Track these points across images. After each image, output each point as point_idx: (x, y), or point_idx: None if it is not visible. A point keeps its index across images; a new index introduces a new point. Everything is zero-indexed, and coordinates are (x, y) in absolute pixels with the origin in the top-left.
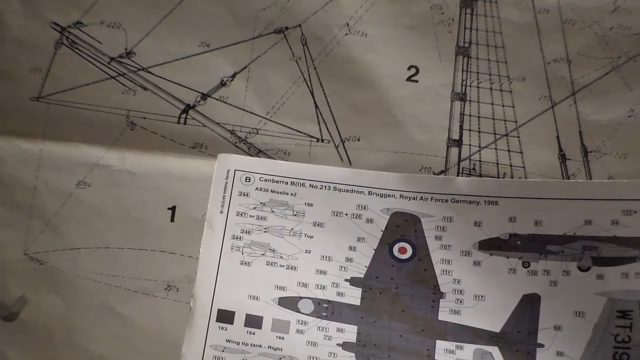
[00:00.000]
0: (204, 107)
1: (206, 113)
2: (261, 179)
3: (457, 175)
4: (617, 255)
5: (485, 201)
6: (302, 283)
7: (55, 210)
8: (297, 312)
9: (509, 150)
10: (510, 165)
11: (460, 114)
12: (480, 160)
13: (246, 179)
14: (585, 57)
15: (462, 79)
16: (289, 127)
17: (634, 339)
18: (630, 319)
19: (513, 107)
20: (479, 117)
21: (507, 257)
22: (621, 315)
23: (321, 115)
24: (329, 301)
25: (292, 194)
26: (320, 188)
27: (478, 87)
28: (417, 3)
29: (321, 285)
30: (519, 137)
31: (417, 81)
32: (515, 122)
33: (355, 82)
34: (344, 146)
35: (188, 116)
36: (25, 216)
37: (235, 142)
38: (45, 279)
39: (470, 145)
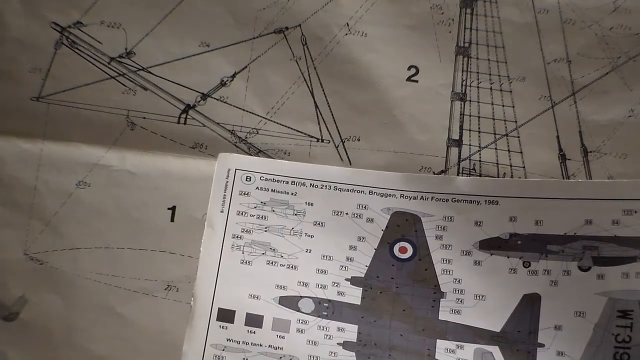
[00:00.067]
0: (204, 107)
1: (206, 113)
2: (262, 178)
3: (457, 176)
4: (617, 255)
5: (485, 201)
6: (303, 282)
7: (55, 210)
8: (298, 311)
9: (509, 150)
10: (510, 165)
11: (460, 114)
12: (480, 160)
13: (247, 178)
14: (585, 57)
15: (462, 79)
16: (289, 127)
17: (634, 338)
18: (631, 319)
19: (513, 107)
20: (479, 117)
21: (508, 257)
22: (622, 315)
23: (321, 115)
24: (329, 300)
25: (292, 194)
26: (321, 187)
27: (478, 87)
28: (417, 3)
29: (322, 285)
30: (519, 137)
31: (417, 81)
32: (515, 122)
33: (355, 82)
34: (344, 146)
35: (188, 116)
36: (25, 216)
37: (235, 142)
38: (45, 279)
39: (470, 145)
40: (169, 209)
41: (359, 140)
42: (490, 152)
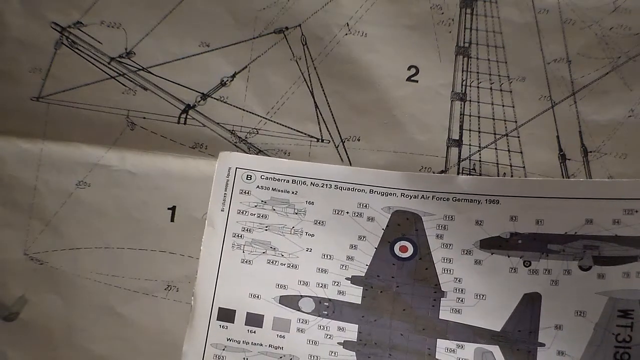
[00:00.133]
0: (204, 107)
1: (206, 113)
2: (262, 177)
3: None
4: (618, 255)
5: (486, 200)
6: (303, 281)
7: (55, 210)
8: (298, 310)
9: (509, 150)
10: (510, 165)
11: (460, 114)
12: (480, 160)
13: (247, 177)
14: (585, 57)
15: (462, 79)
16: (289, 127)
17: (634, 338)
18: (632, 319)
19: (513, 107)
20: (479, 117)
21: (508, 256)
22: (622, 315)
23: (321, 115)
24: (329, 300)
25: (293, 192)
26: (322, 186)
27: (478, 87)
28: (417, 3)
29: (322, 284)
30: (519, 137)
31: (417, 81)
32: (515, 122)
33: (355, 82)
34: (344, 146)
35: (188, 116)
36: (25, 216)
37: (235, 142)
38: (45, 279)
39: (470, 145)
40: (169, 209)
41: (359, 140)
42: (490, 152)
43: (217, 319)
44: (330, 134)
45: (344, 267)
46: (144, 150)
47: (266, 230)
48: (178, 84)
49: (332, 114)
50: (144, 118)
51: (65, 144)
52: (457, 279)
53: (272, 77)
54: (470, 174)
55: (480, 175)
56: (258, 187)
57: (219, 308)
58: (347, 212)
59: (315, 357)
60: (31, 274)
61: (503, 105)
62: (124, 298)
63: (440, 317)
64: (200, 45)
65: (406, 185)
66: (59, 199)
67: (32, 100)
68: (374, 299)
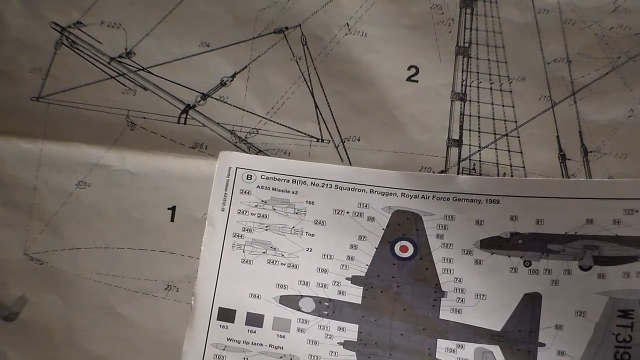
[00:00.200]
0: (204, 107)
1: (206, 113)
2: (262, 176)
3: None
4: (618, 255)
5: (486, 200)
6: (303, 281)
7: (55, 210)
8: (298, 310)
9: (509, 150)
10: (510, 165)
11: (460, 114)
12: (480, 160)
13: (247, 177)
14: (585, 57)
15: (462, 79)
16: (289, 127)
17: (635, 338)
18: (632, 319)
19: (513, 107)
20: (479, 117)
21: (509, 256)
22: (622, 315)
23: (321, 115)
24: (330, 300)
25: (293, 192)
26: (322, 186)
27: (478, 87)
28: (417, 3)
29: (322, 284)
30: (519, 137)
31: (417, 81)
32: (515, 122)
33: (355, 82)
34: (344, 146)
35: (188, 116)
36: (25, 216)
37: (235, 142)
38: (45, 279)
39: (470, 145)
40: (169, 209)
41: (359, 140)
42: (490, 152)
43: (218, 319)
44: (330, 134)
45: (344, 267)
46: (144, 150)
47: (266, 230)
48: (178, 84)
49: (332, 114)
50: (144, 118)
51: (65, 144)
52: (457, 278)
53: (272, 77)
54: (470, 174)
55: (480, 175)
56: (258, 187)
57: (219, 308)
58: (348, 212)
59: (315, 357)
60: (31, 274)
61: (503, 105)
62: (124, 298)
63: (441, 317)
64: (200, 45)
65: (406, 185)
66: (59, 199)
67: (32, 100)
68: (374, 299)
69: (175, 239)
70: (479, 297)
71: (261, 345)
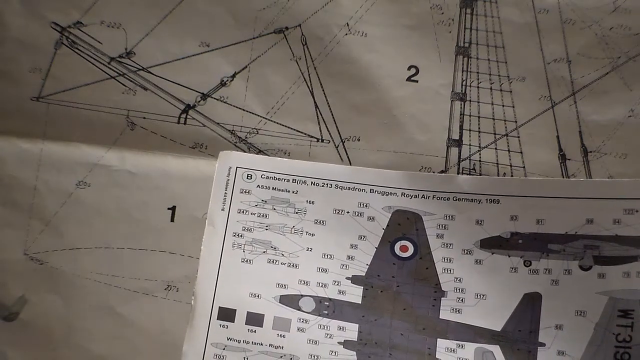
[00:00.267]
0: (204, 107)
1: (206, 113)
2: (263, 176)
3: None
4: (618, 255)
5: (486, 199)
6: (304, 281)
7: (55, 210)
8: (299, 310)
9: (509, 150)
10: (510, 165)
11: (460, 114)
12: (480, 160)
13: (248, 177)
14: (585, 57)
15: (462, 79)
16: (289, 127)
17: (635, 338)
18: (632, 319)
19: (513, 107)
20: (479, 117)
21: (509, 256)
22: (622, 315)
23: (321, 115)
24: (330, 299)
25: (293, 192)
26: (322, 186)
27: (478, 87)
28: (417, 3)
29: (322, 283)
30: (519, 137)
31: (417, 81)
32: (515, 122)
33: (355, 82)
34: (344, 146)
35: (188, 116)
36: (25, 216)
37: (235, 142)
38: (45, 279)
39: (470, 145)
40: (169, 209)
41: (359, 140)
42: (490, 152)
43: (218, 319)
44: (330, 134)
45: (344, 267)
46: (144, 150)
47: (266, 229)
48: (178, 84)
49: (332, 114)
50: (144, 118)
51: (65, 144)
52: (457, 278)
53: (272, 77)
54: (470, 174)
55: (480, 175)
56: (258, 186)
57: (220, 307)
58: (348, 212)
59: (315, 357)
60: (31, 274)
61: (503, 105)
62: (124, 298)
63: (441, 316)
64: (200, 45)
65: (407, 185)
66: (59, 199)
67: (32, 100)
68: (374, 298)
69: (175, 239)
70: (479, 296)
71: (261, 344)
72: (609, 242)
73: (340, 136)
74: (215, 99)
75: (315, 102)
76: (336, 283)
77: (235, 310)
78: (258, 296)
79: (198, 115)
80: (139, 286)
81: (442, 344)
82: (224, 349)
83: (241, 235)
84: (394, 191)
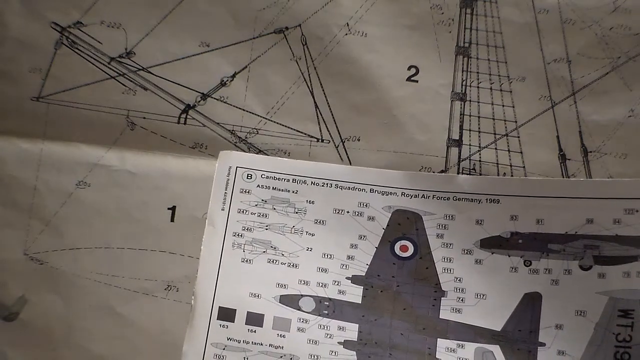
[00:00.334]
0: (204, 107)
1: (206, 113)
2: (263, 176)
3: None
4: (618, 254)
5: (486, 199)
6: (304, 281)
7: (55, 210)
8: (299, 310)
9: (509, 150)
10: (510, 165)
11: (460, 114)
12: (480, 160)
13: (248, 176)
14: (585, 57)
15: (462, 79)
16: (289, 127)
17: (635, 338)
18: (632, 318)
19: (513, 107)
20: (479, 117)
21: (509, 256)
22: (622, 315)
23: (321, 115)
24: (330, 299)
25: (293, 192)
26: (322, 185)
27: (478, 87)
28: (417, 3)
29: (322, 283)
30: (519, 137)
31: (417, 81)
32: (515, 122)
33: (355, 82)
34: (344, 146)
35: (188, 116)
36: (25, 216)
37: (235, 142)
38: (45, 279)
39: (470, 145)
40: (169, 209)
41: (359, 140)
42: (490, 152)
43: (218, 319)
44: (330, 134)
45: (344, 267)
46: (144, 150)
47: (266, 229)
48: (178, 84)
49: (332, 114)
50: (144, 118)
51: (65, 144)
52: (457, 278)
53: (272, 77)
54: (470, 174)
55: (480, 175)
56: (258, 186)
57: (220, 307)
58: (348, 212)
59: (315, 357)
60: (31, 274)
61: (503, 105)
62: (124, 298)
63: (441, 316)
64: (200, 45)
65: (407, 185)
66: (59, 199)
67: (32, 100)
68: (374, 298)
69: (175, 239)
70: (479, 296)
71: (261, 344)
72: (609, 242)
73: (340, 136)
74: (215, 99)
75: (315, 102)
76: (336, 283)
77: (235, 310)
78: (258, 296)
79: (198, 115)
80: (139, 286)
81: (442, 343)
82: (224, 349)
83: (241, 235)
84: (394, 191)
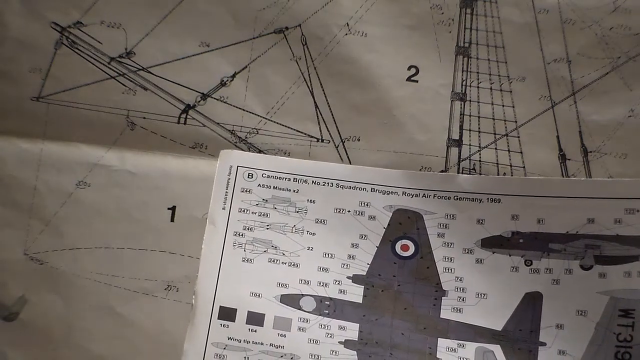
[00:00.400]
0: (204, 107)
1: (206, 113)
2: (264, 175)
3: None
4: (619, 254)
5: (487, 199)
6: (304, 280)
7: (55, 210)
8: (299, 309)
9: (509, 150)
10: (510, 165)
11: (460, 114)
12: (480, 160)
13: (249, 176)
14: (585, 57)
15: (462, 79)
16: (289, 127)
17: (635, 338)
18: (633, 318)
19: (513, 107)
20: (479, 117)
21: (510, 255)
22: (623, 314)
23: (321, 115)
24: (331, 299)
25: (294, 191)
26: (323, 185)
27: (478, 87)
28: (417, 3)
29: (323, 283)
30: (519, 137)
31: (417, 81)
32: (515, 122)
33: (355, 82)
34: (344, 146)
35: (188, 116)
36: (25, 216)
37: (235, 142)
38: (45, 279)
39: (470, 145)
40: (169, 209)
41: (359, 140)
42: (490, 152)
43: (218, 318)
44: (330, 134)
45: (345, 266)
46: (144, 150)
47: (267, 228)
48: (178, 84)
49: (332, 114)
50: (144, 118)
51: (65, 144)
52: (458, 277)
53: (272, 77)
54: (470, 174)
55: (481, 175)
56: (259, 185)
57: (220, 307)
58: (349, 211)
59: (316, 356)
60: (31, 274)
61: (503, 105)
62: (124, 298)
63: (442, 316)
64: (200, 45)
65: (407, 184)
66: (59, 199)
67: (32, 100)
68: (375, 297)
69: (175, 239)
70: (479, 296)
71: (262, 344)
72: (610, 241)
73: (340, 136)
74: (215, 99)
75: (315, 102)
76: (337, 282)
77: (236, 309)
78: (259, 295)
79: (198, 115)
80: (139, 286)
81: (442, 343)
82: (224, 348)
83: (242, 235)
84: (394, 190)
